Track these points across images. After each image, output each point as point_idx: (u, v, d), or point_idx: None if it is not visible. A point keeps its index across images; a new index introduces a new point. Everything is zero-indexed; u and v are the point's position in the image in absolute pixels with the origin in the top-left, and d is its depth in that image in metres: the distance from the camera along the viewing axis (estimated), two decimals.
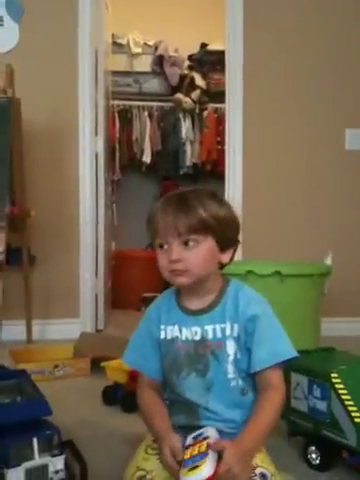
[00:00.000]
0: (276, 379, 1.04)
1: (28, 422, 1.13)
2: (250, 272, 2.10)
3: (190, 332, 1.08)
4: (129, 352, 1.17)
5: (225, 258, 1.08)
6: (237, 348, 1.05)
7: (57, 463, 1.12)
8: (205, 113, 4.50)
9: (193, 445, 0.96)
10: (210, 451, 0.92)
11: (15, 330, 2.79)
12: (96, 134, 3.16)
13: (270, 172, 3.14)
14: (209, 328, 1.07)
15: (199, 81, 4.47)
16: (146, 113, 4.49)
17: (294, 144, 3.14)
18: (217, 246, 1.06)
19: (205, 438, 0.97)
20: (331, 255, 2.33)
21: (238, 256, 3.03)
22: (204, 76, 4.51)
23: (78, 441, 1.24)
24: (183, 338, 1.09)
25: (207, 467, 0.89)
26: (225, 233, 1.07)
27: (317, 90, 3.14)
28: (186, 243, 1.03)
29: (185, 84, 4.50)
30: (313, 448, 1.32)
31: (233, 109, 3.15)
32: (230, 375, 1.05)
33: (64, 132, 3.03)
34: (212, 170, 4.51)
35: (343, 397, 1.22)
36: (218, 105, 4.34)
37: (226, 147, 3.23)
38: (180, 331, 1.10)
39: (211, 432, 0.99)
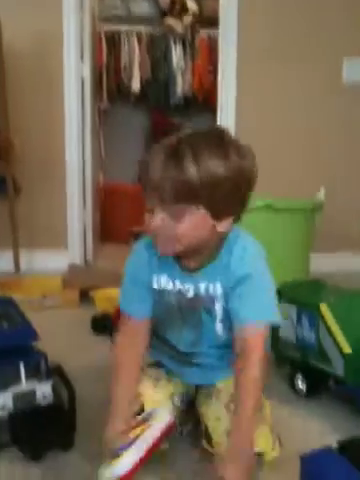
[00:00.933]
0: (257, 346, 0.95)
1: (15, 348, 1.12)
2: None
3: (183, 287, 1.02)
4: (124, 299, 1.08)
5: (222, 227, 0.93)
6: (225, 307, 1.01)
7: (44, 388, 1.12)
8: (197, 40, 4.29)
9: (134, 428, 0.93)
10: (138, 441, 0.89)
11: (2, 260, 2.77)
12: (82, 59, 3.00)
13: (264, 104, 3.03)
14: (202, 285, 1.01)
15: (191, 4, 4.23)
16: (135, 38, 4.27)
17: (290, 74, 3.01)
18: (211, 214, 0.91)
19: (145, 420, 0.94)
20: (324, 191, 2.30)
21: None
22: None
23: (66, 367, 1.24)
24: (176, 291, 1.03)
25: (124, 460, 0.86)
26: (224, 199, 0.90)
27: (315, 17, 2.97)
28: (171, 216, 0.89)
29: (176, 7, 4.26)
30: (300, 377, 1.34)
31: (227, 35, 2.98)
32: (219, 332, 1.05)
33: (48, 57, 2.88)
34: (204, 101, 4.36)
35: (331, 328, 1.22)
36: (211, 31, 4.12)
37: (219, 76, 3.09)
38: (173, 284, 1.03)
39: (160, 416, 0.96)
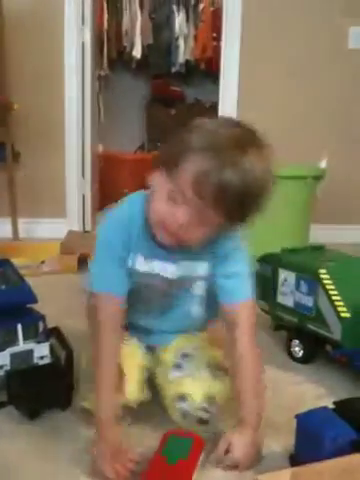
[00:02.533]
0: (250, 318, 0.96)
1: (13, 309, 1.12)
2: None
3: (164, 268, 0.98)
4: (101, 276, 0.97)
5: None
6: (205, 288, 1.00)
7: (42, 349, 1.13)
8: (201, 5, 4.19)
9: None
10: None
11: (1, 228, 2.76)
12: (83, 23, 2.93)
13: (267, 72, 2.97)
14: (183, 265, 0.97)
15: None
16: (137, 3, 4.17)
17: (295, 42, 2.94)
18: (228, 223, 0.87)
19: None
20: (326, 159, 2.27)
21: None
22: None
23: (64, 329, 1.24)
24: (155, 272, 0.98)
25: None
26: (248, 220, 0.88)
27: None
28: (207, 224, 0.85)
29: None
30: (297, 342, 1.35)
31: (231, 2, 2.90)
32: (194, 313, 1.04)
33: (48, 19, 2.81)
34: (206, 69, 4.28)
35: (330, 292, 1.22)
36: None
37: (222, 43, 3.02)
38: (153, 265, 0.98)
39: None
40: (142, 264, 0.97)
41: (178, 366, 1.01)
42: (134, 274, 0.97)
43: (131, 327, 1.06)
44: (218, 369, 1.01)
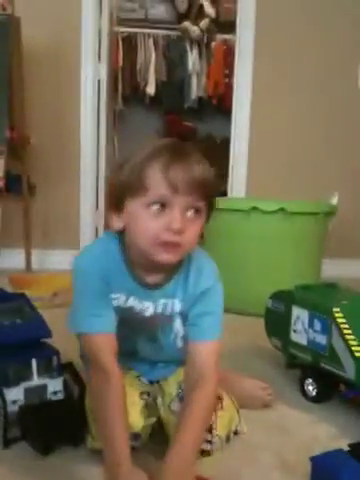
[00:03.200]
0: (208, 362, 0.96)
1: (27, 343, 1.13)
2: (254, 208, 2.07)
3: (142, 305, 1.00)
4: (88, 317, 0.96)
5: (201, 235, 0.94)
6: (182, 323, 1.02)
7: (56, 384, 1.13)
8: (213, 44, 4.29)
9: None
10: None
11: (14, 258, 2.79)
12: (99, 60, 3.02)
13: (279, 109, 3.03)
14: (161, 303, 0.99)
15: (208, 9, 4.23)
16: (151, 41, 4.29)
17: (305, 81, 3.01)
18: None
19: None
20: (337, 195, 2.29)
21: (242, 193, 3.04)
22: (214, 3, 4.27)
23: (77, 365, 1.24)
24: (136, 310, 1.00)
25: None
26: (212, 208, 0.91)
27: (332, 25, 2.98)
28: (196, 210, 0.87)
29: (193, 11, 4.28)
30: (310, 380, 1.34)
31: (243, 41, 3.00)
32: (179, 346, 1.05)
33: (66, 56, 2.90)
34: (218, 105, 4.36)
35: (344, 331, 1.22)
36: (227, 36, 4.13)
37: (234, 81, 3.10)
38: (129, 301, 0.99)
39: None
40: (123, 301, 0.99)
41: (181, 398, 1.01)
42: (117, 309, 0.98)
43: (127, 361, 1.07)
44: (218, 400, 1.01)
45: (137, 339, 1.07)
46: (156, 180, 0.84)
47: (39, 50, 2.81)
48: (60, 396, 1.13)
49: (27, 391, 1.09)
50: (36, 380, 1.11)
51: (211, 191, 0.88)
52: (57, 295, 2.13)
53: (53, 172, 2.92)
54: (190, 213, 0.86)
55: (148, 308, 1.00)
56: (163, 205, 0.85)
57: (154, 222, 0.85)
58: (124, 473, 0.82)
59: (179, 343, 1.05)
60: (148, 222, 0.85)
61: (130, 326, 1.02)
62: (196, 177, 0.84)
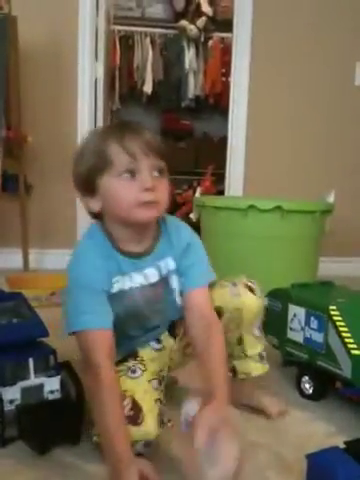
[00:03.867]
0: (207, 305, 1.07)
1: (25, 343, 1.13)
2: (251, 207, 2.08)
3: (143, 276, 1.05)
4: (85, 314, 0.97)
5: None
6: (178, 279, 1.09)
7: (53, 383, 1.13)
8: (210, 42, 4.30)
9: None
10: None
11: (11, 258, 2.79)
12: (96, 59, 3.02)
13: (276, 107, 3.03)
14: (162, 264, 1.07)
15: (205, 7, 4.24)
16: (148, 40, 4.29)
17: (302, 79, 3.01)
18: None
19: None
20: (334, 193, 2.29)
21: (239, 192, 3.04)
22: (211, 2, 4.28)
23: (75, 363, 1.24)
24: (136, 285, 1.05)
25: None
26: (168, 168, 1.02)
27: (328, 23, 2.97)
28: (159, 171, 0.97)
29: (191, 10, 4.28)
30: (307, 378, 1.34)
31: (240, 39, 2.99)
32: (178, 303, 1.11)
33: (63, 55, 2.89)
34: (215, 104, 4.36)
35: (341, 329, 1.22)
36: (225, 34, 4.13)
37: (231, 79, 3.10)
38: (131, 279, 1.04)
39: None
40: (125, 283, 1.04)
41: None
42: (119, 297, 1.03)
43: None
44: None
45: (150, 314, 1.10)
46: (117, 152, 0.94)
47: (36, 49, 2.80)
48: (57, 395, 1.13)
49: (24, 390, 1.09)
50: (33, 379, 1.11)
51: (164, 153, 0.99)
52: (55, 294, 2.13)
53: (50, 171, 2.92)
54: (155, 173, 0.97)
55: (154, 274, 1.07)
56: (131, 171, 0.95)
57: (128, 189, 0.95)
58: (126, 467, 0.85)
59: (178, 300, 1.11)
60: (124, 190, 0.95)
61: (140, 309, 1.08)
62: (148, 141, 0.96)
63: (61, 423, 1.06)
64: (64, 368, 1.18)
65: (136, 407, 0.95)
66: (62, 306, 1.09)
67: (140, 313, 1.08)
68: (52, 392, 1.13)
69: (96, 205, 1.01)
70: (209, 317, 1.05)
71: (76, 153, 1.03)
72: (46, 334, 1.16)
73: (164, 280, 1.09)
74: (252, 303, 1.14)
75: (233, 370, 1.21)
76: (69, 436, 1.07)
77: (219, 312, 1.12)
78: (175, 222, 1.11)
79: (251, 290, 1.15)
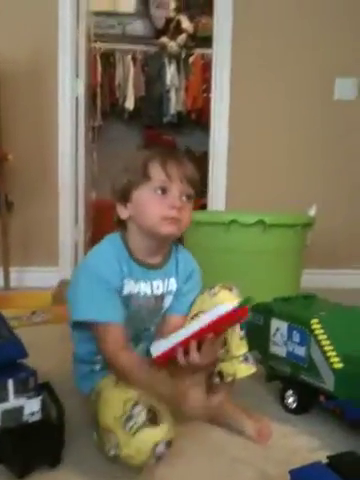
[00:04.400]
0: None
1: (3, 364, 1.11)
2: (233, 221, 2.07)
3: (150, 286, 1.16)
4: (90, 307, 1.08)
5: None
6: (171, 300, 1.21)
7: (33, 405, 1.11)
8: (191, 59, 4.35)
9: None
10: (182, 329, 1.06)
11: None
12: (77, 76, 3.03)
13: (257, 122, 3.06)
14: (165, 282, 1.18)
15: (186, 24, 4.30)
16: (130, 57, 4.33)
17: (282, 94, 3.05)
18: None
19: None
20: (315, 207, 2.31)
21: (221, 206, 3.05)
22: (191, 19, 4.33)
23: (55, 384, 1.22)
24: (142, 293, 1.15)
25: (160, 342, 1.05)
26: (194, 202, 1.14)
27: (309, 38, 3.03)
28: (186, 196, 1.09)
29: (171, 27, 4.33)
30: (290, 392, 1.34)
31: (220, 55, 3.03)
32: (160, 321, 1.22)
33: (43, 73, 2.89)
34: (197, 119, 4.40)
35: (322, 342, 1.22)
36: (205, 51, 4.18)
37: (212, 95, 3.12)
38: (139, 286, 1.14)
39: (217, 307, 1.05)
40: (133, 287, 1.13)
41: None
42: (127, 299, 1.13)
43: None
44: None
45: (149, 324, 1.21)
46: (157, 171, 1.08)
47: (16, 66, 2.80)
48: (37, 417, 1.11)
49: (4, 413, 1.07)
50: (13, 401, 1.08)
51: (197, 184, 1.11)
52: (35, 313, 2.11)
53: (31, 189, 2.90)
54: (184, 197, 1.09)
55: (158, 287, 1.17)
56: (164, 190, 1.07)
57: (159, 203, 1.07)
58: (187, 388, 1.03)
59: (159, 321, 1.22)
60: (155, 203, 1.08)
61: (142, 316, 1.18)
62: (185, 170, 1.09)
63: (41, 446, 1.04)
64: (44, 389, 1.16)
65: (150, 410, 0.96)
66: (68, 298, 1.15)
67: (140, 320, 1.18)
68: (32, 414, 1.11)
69: (126, 213, 1.13)
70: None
71: (122, 166, 1.15)
72: (24, 355, 1.13)
73: (162, 297, 1.19)
74: (230, 299, 1.17)
75: (220, 374, 1.22)
76: (49, 458, 1.05)
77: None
78: (186, 252, 1.25)
79: (229, 290, 1.21)
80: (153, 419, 0.95)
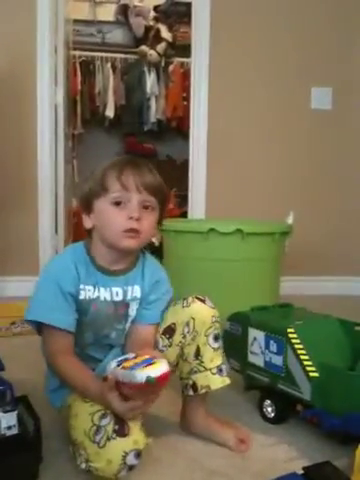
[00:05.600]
0: (151, 343, 1.18)
1: None
2: (212, 230, 2.09)
3: (110, 292, 1.15)
4: (38, 308, 1.11)
5: (156, 233, 1.18)
6: (137, 308, 1.20)
7: (9, 419, 1.09)
8: (171, 67, 4.37)
9: (128, 360, 0.98)
10: (159, 358, 0.97)
11: None
12: (56, 84, 3.02)
13: (235, 130, 3.09)
14: (129, 288, 1.17)
15: (165, 33, 4.32)
16: (109, 65, 4.33)
17: (259, 103, 3.09)
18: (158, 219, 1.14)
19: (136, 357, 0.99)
20: (293, 215, 2.34)
21: (202, 213, 3.06)
22: (170, 28, 4.36)
23: (33, 397, 1.22)
24: (102, 299, 1.15)
25: (164, 363, 0.93)
26: (164, 210, 1.15)
27: (285, 47, 3.07)
28: (145, 206, 1.08)
29: (150, 36, 4.35)
30: (268, 402, 1.35)
31: (199, 64, 3.06)
32: (126, 330, 1.21)
33: (21, 81, 2.88)
34: (178, 127, 4.42)
35: (299, 352, 1.23)
36: (184, 59, 4.21)
37: (191, 103, 3.15)
38: (99, 291, 1.14)
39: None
40: (92, 292, 1.13)
41: None
42: (85, 303, 1.13)
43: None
44: None
45: (109, 330, 1.19)
46: (113, 182, 1.07)
47: None
48: (14, 431, 1.10)
49: None
50: None
51: (158, 191, 1.10)
52: (15, 323, 2.09)
53: (10, 198, 2.88)
54: (144, 207, 1.08)
55: (118, 293, 1.16)
56: (118, 202, 1.07)
57: (117, 215, 1.07)
58: (108, 390, 0.96)
59: (127, 327, 1.21)
60: (114, 215, 1.07)
61: (101, 321, 1.16)
62: (144, 179, 1.08)
63: (18, 460, 1.03)
64: (21, 402, 1.15)
65: (119, 421, 0.96)
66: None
67: (100, 325, 1.17)
68: (9, 428, 1.09)
69: (89, 222, 1.14)
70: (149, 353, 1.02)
71: (86, 176, 1.17)
72: (1, 368, 1.13)
73: (126, 305, 1.18)
74: (203, 310, 1.19)
75: (193, 386, 1.21)
76: (26, 474, 1.04)
77: (173, 329, 1.19)
78: (154, 262, 1.23)
79: (202, 301, 1.21)
80: (121, 430, 0.95)
